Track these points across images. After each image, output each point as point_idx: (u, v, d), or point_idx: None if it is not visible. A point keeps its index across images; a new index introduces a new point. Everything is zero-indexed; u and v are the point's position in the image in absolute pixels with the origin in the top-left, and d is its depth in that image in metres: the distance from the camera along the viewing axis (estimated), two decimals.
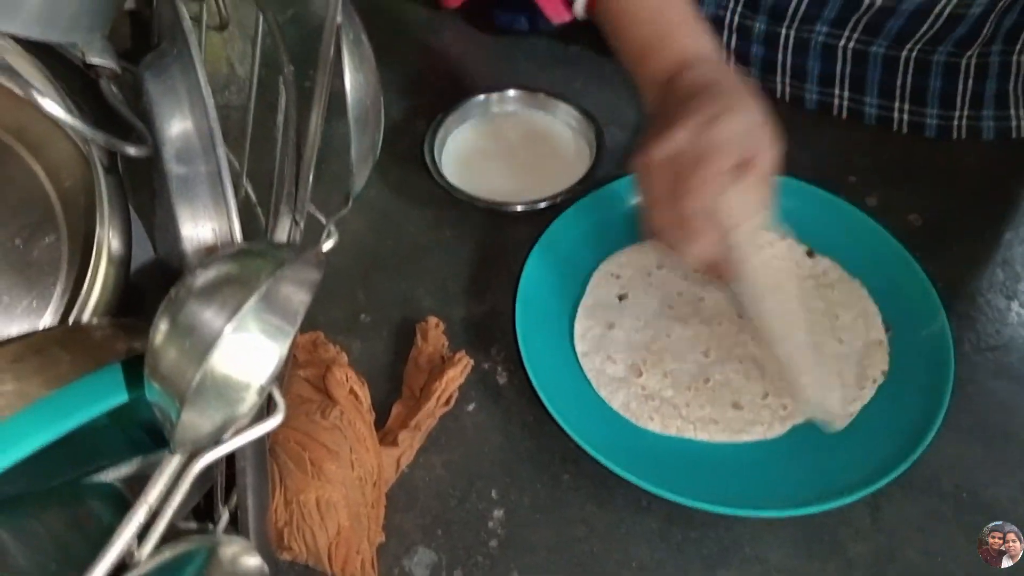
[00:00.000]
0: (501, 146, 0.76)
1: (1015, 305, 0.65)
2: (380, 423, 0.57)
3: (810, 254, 0.65)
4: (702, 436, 0.57)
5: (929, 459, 0.56)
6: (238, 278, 0.26)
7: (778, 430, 0.57)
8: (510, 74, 0.83)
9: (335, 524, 0.49)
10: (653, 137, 0.55)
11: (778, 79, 0.79)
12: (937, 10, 0.70)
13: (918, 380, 0.58)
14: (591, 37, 0.88)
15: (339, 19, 0.29)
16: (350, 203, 0.35)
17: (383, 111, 0.36)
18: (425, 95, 0.81)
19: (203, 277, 0.27)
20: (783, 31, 0.77)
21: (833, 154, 0.76)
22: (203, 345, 0.25)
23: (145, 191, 0.50)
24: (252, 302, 0.25)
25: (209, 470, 0.38)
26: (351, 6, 0.31)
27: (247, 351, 0.28)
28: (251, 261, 0.28)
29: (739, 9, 0.78)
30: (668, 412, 0.58)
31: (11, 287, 0.45)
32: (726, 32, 0.80)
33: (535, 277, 0.64)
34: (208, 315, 0.26)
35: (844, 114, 0.78)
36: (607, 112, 0.79)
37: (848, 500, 0.52)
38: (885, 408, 0.58)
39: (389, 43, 0.85)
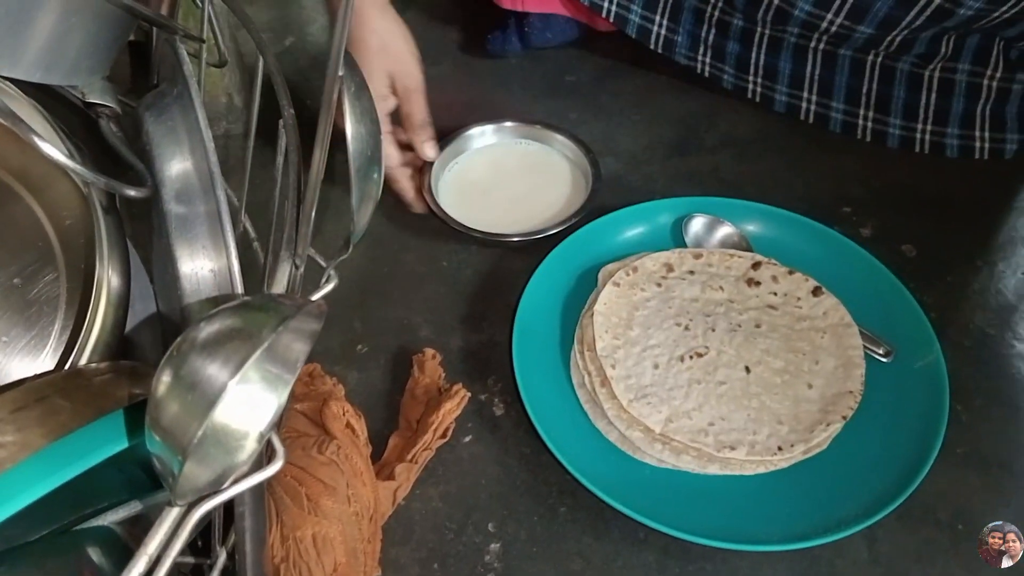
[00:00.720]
0: (498, 177, 0.76)
1: (1008, 335, 0.66)
2: (377, 455, 0.58)
3: (816, 292, 0.64)
4: (698, 470, 0.57)
5: (925, 489, 0.57)
6: (241, 332, 0.27)
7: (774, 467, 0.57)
8: (506, 104, 0.84)
9: (331, 560, 0.49)
10: None
11: (750, 78, 0.81)
12: (908, 18, 0.70)
13: (914, 410, 0.58)
14: (586, 66, 0.89)
15: (341, 71, 0.29)
16: (350, 248, 0.35)
17: (383, 157, 0.36)
18: None
19: (206, 331, 0.27)
20: (758, 28, 0.79)
21: (827, 181, 0.77)
22: (206, 400, 0.26)
23: (143, 224, 0.50)
24: (256, 356, 0.26)
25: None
26: (352, 58, 0.32)
27: (248, 402, 0.28)
28: (254, 315, 0.28)
29: (719, 3, 0.80)
30: (660, 450, 0.57)
31: (11, 325, 0.45)
32: (705, 26, 0.82)
33: (532, 307, 0.64)
34: (212, 370, 0.26)
35: (811, 119, 0.80)
36: (603, 142, 0.80)
37: (845, 533, 0.52)
38: (881, 439, 0.58)
39: None
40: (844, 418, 0.57)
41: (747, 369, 0.60)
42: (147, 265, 0.54)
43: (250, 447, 0.30)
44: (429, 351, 0.63)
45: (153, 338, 0.51)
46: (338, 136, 0.35)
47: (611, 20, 0.82)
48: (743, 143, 0.81)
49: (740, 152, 0.80)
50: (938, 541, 0.55)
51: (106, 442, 0.31)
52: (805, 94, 0.79)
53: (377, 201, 0.35)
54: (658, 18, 0.82)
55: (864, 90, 0.77)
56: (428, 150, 0.72)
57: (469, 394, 0.61)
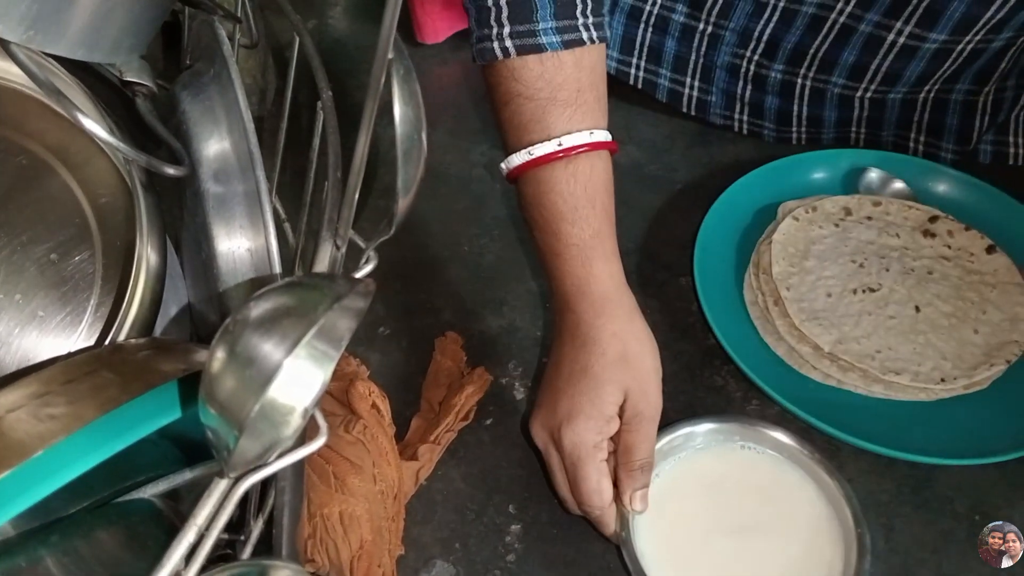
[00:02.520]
0: (716, 508, 0.56)
1: None
2: (399, 436, 0.58)
3: (990, 250, 0.68)
4: (861, 389, 0.61)
5: (942, 480, 0.58)
6: (295, 310, 0.27)
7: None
8: None
9: (358, 538, 0.50)
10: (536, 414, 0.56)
11: (793, 130, 0.79)
12: (958, 49, 0.69)
13: None
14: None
15: (391, 54, 0.30)
16: (392, 230, 0.36)
17: (426, 145, 0.36)
18: (446, 111, 0.82)
19: (259, 308, 0.27)
20: (799, 80, 0.76)
21: None
22: (263, 376, 0.26)
23: (172, 206, 0.51)
24: (311, 335, 0.26)
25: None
26: (401, 42, 0.32)
27: (298, 378, 0.29)
28: (307, 293, 0.28)
29: (755, 58, 0.76)
30: (827, 366, 0.62)
31: (47, 302, 0.46)
32: (740, 82, 0.78)
33: (710, 233, 0.69)
34: (268, 347, 0.26)
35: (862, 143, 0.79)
36: (623, 131, 0.80)
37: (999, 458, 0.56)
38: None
39: None
40: (1008, 361, 0.61)
41: (917, 308, 0.64)
42: (176, 245, 0.54)
43: (296, 422, 0.30)
44: (451, 334, 0.64)
45: (179, 332, 0.51)
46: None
47: (639, 86, 0.80)
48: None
49: (761, 143, 0.80)
50: (955, 532, 0.56)
51: (157, 413, 0.31)
52: (852, 132, 0.78)
53: (420, 184, 0.35)
54: (688, 80, 0.79)
55: (915, 120, 0.77)
56: (637, 502, 0.53)
57: (491, 377, 0.61)
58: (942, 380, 0.60)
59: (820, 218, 0.70)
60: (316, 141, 0.42)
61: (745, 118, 0.80)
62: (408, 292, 0.68)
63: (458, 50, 0.88)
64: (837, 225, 0.70)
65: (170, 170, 0.41)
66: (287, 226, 0.52)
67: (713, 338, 0.63)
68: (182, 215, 0.50)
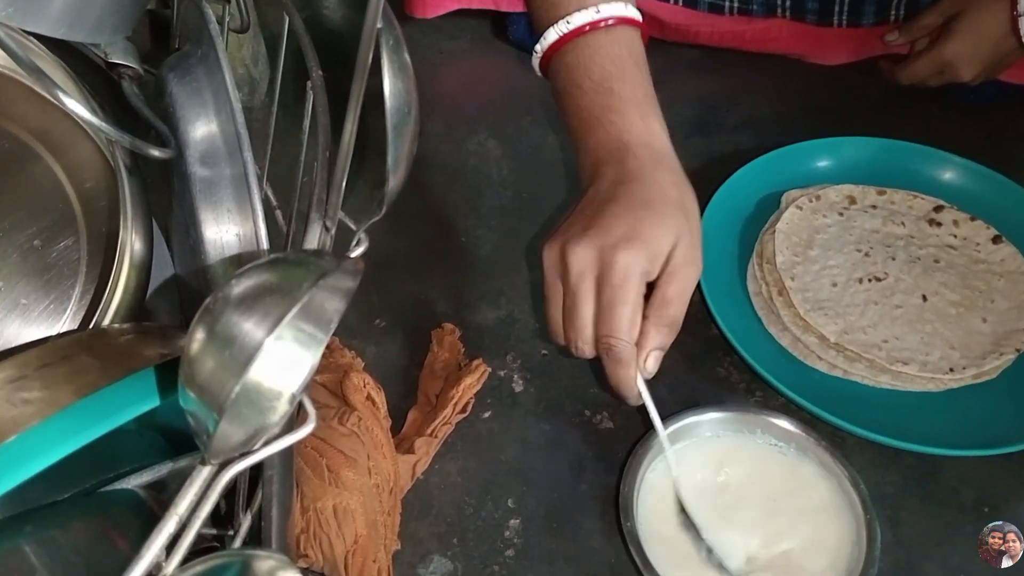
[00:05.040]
0: (724, 497, 0.55)
1: None
2: (395, 429, 0.57)
3: (996, 239, 0.67)
4: (868, 379, 0.60)
5: (949, 472, 0.56)
6: (279, 288, 0.26)
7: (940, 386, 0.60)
8: (526, 88, 0.82)
9: (352, 532, 0.48)
10: (562, 233, 0.54)
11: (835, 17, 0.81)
12: None
13: None
14: None
15: (379, 24, 0.29)
16: (383, 210, 0.35)
17: (419, 120, 0.35)
18: (441, 100, 0.81)
19: (240, 286, 0.26)
20: None
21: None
22: (243, 356, 0.25)
23: (161, 192, 0.50)
24: (294, 312, 0.25)
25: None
26: (391, 11, 0.31)
27: (282, 361, 0.27)
28: (291, 270, 0.27)
29: None
30: (833, 356, 0.61)
31: (30, 289, 0.45)
32: None
33: (712, 223, 0.66)
34: (248, 326, 0.25)
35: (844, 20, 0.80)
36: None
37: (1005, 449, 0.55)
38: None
39: None
40: (1017, 350, 0.60)
41: (923, 297, 0.63)
42: (165, 233, 0.53)
43: (282, 408, 0.29)
44: (448, 326, 0.62)
45: (171, 305, 0.50)
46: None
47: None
48: (764, 123, 0.80)
49: (761, 132, 0.79)
50: (961, 524, 0.54)
51: (137, 399, 0.30)
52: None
53: (411, 162, 0.34)
54: None
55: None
56: (651, 361, 0.52)
57: (489, 369, 0.60)
58: (951, 370, 0.59)
59: (824, 207, 0.69)
60: (306, 123, 0.41)
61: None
62: (404, 284, 0.67)
63: (454, 35, 0.87)
64: (841, 214, 0.69)
65: (155, 152, 0.40)
66: (278, 213, 0.51)
67: (716, 329, 0.62)
68: (171, 202, 0.49)
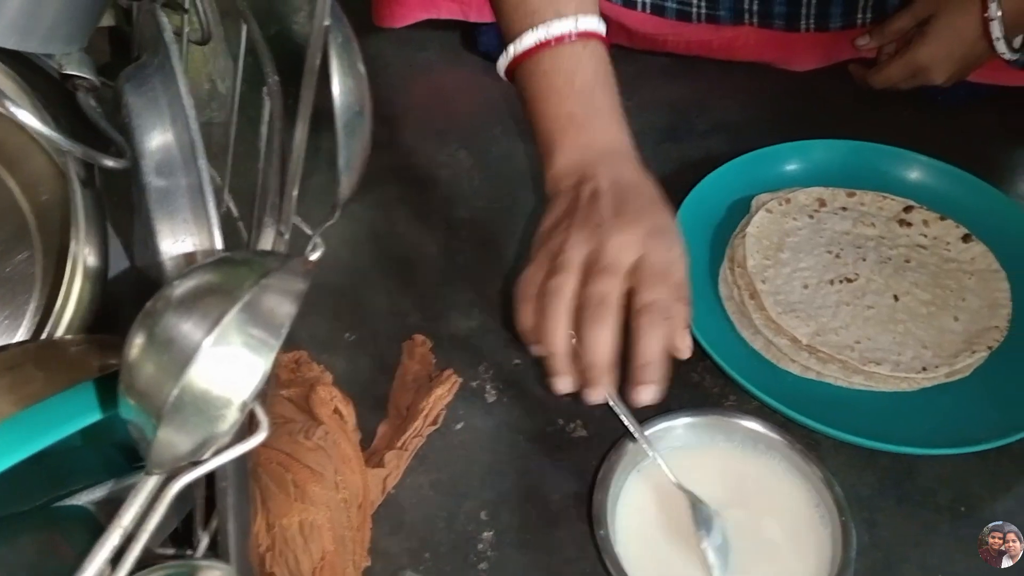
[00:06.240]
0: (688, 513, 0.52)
1: None
2: (366, 443, 0.56)
3: (966, 238, 0.67)
4: (841, 380, 0.60)
5: (924, 473, 0.56)
6: (220, 287, 0.25)
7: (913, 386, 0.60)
8: (494, 95, 0.82)
9: (319, 548, 0.47)
10: (585, 228, 0.53)
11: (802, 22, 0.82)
12: None
13: None
14: None
15: (327, 20, 0.28)
16: (337, 213, 0.34)
17: (371, 120, 0.35)
18: (411, 112, 0.80)
19: (182, 287, 0.25)
20: None
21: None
22: (182, 358, 0.24)
23: (125, 207, 0.49)
24: (234, 312, 0.24)
25: (188, 492, 0.37)
26: (340, 10, 0.30)
27: (229, 365, 0.27)
28: (234, 269, 0.26)
29: None
30: (806, 358, 0.61)
31: None
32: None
33: (683, 229, 0.63)
34: (187, 327, 0.24)
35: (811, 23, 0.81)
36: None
37: (979, 447, 0.55)
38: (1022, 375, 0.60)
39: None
40: (989, 348, 0.60)
41: (895, 297, 0.63)
42: (128, 251, 0.52)
43: (232, 417, 0.28)
44: (419, 337, 0.62)
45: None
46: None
47: (648, 11, 0.82)
48: (735, 128, 0.80)
49: (732, 137, 0.79)
50: (938, 525, 0.54)
51: (78, 413, 0.29)
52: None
53: (365, 162, 0.34)
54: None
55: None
56: (644, 394, 0.50)
57: (460, 379, 0.59)
58: (923, 369, 0.59)
59: (794, 210, 0.69)
60: (264, 129, 0.41)
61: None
62: (375, 296, 0.66)
63: (423, 47, 0.86)
64: (811, 216, 0.68)
65: (108, 162, 0.39)
66: (241, 224, 0.50)
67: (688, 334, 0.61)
68: (132, 216, 0.48)
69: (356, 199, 0.71)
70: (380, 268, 0.68)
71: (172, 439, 0.26)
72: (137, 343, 0.25)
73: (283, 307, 0.28)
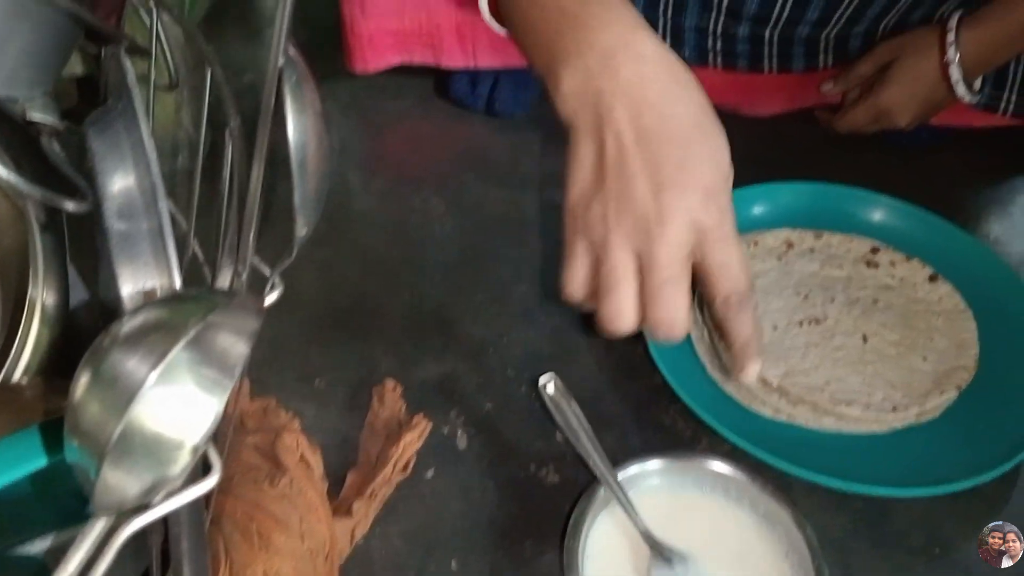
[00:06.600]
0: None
1: None
2: (335, 491, 0.55)
3: (932, 278, 0.68)
4: (812, 422, 0.60)
5: (898, 515, 0.55)
6: (166, 323, 0.25)
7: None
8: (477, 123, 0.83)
9: None
10: (579, 208, 0.50)
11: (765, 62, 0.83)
12: None
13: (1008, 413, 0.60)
14: None
15: (281, 61, 0.28)
16: (294, 252, 0.34)
17: (329, 159, 0.35)
18: (385, 158, 0.81)
19: (129, 324, 0.25)
20: (767, 33, 0.81)
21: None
22: (125, 396, 0.24)
23: (91, 254, 0.48)
24: (179, 348, 0.24)
25: (142, 544, 0.36)
26: (296, 50, 0.30)
27: (177, 404, 0.26)
28: (182, 306, 0.26)
29: (721, 19, 0.80)
30: (776, 400, 0.60)
31: None
32: (711, 39, 0.81)
33: None
34: (132, 364, 0.24)
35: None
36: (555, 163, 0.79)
37: (953, 488, 0.54)
38: (992, 415, 0.60)
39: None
40: (958, 388, 0.60)
41: (864, 338, 0.63)
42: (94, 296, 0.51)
43: (183, 459, 0.28)
44: (390, 383, 0.61)
45: None
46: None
47: None
48: None
49: None
50: (913, 567, 0.53)
51: (21, 459, 0.28)
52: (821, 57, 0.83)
53: (322, 200, 0.34)
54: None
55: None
56: (751, 369, 0.53)
57: (431, 424, 0.58)
58: (894, 409, 0.59)
59: (762, 252, 0.69)
60: (226, 172, 0.41)
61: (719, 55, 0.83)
62: (345, 341, 0.66)
63: (397, 94, 0.87)
64: (779, 258, 0.69)
65: (68, 205, 0.39)
66: (205, 269, 0.50)
67: (660, 377, 0.61)
68: (97, 262, 0.48)
69: (327, 244, 0.72)
70: (350, 313, 0.68)
71: (118, 480, 0.25)
72: (82, 382, 0.25)
73: (236, 347, 0.28)
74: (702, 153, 0.49)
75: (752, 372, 0.53)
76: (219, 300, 0.25)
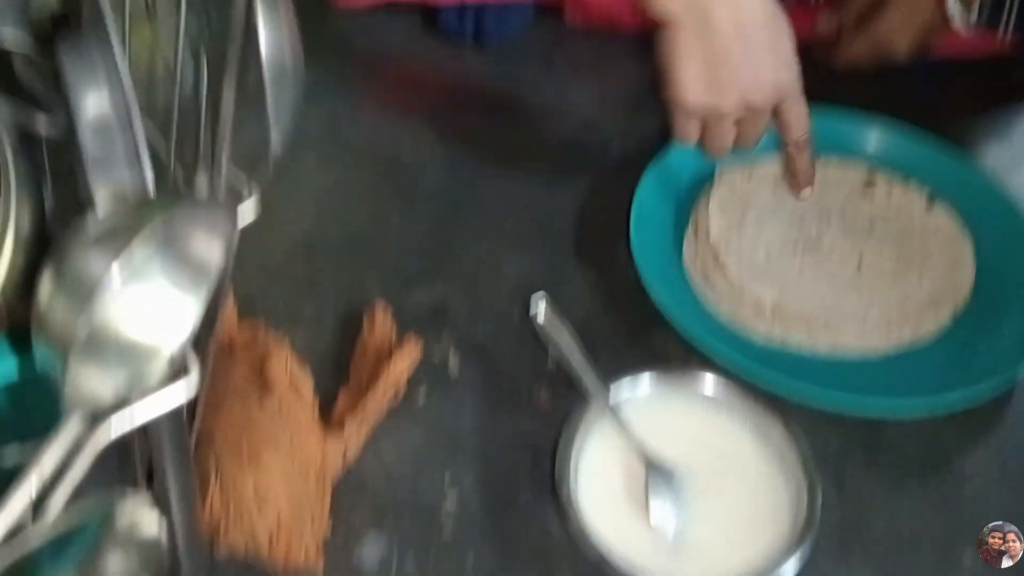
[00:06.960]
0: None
1: None
2: (326, 411, 0.55)
3: (930, 203, 0.67)
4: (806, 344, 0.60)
5: (893, 433, 0.56)
6: (131, 220, 0.24)
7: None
8: (458, 70, 0.82)
9: (275, 512, 0.47)
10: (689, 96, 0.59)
11: None
12: None
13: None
14: (541, 31, 0.87)
15: None
16: (270, 167, 0.33)
17: (302, 74, 0.34)
18: (373, 92, 0.80)
19: (94, 223, 0.25)
20: None
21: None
22: (88, 288, 0.23)
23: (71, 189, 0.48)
24: (140, 239, 0.24)
25: (128, 460, 0.36)
26: None
27: (150, 304, 0.26)
28: (148, 206, 0.26)
29: None
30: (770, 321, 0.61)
31: None
32: None
33: (649, 194, 0.67)
34: (94, 257, 0.24)
35: None
36: (556, 105, 0.78)
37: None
38: (986, 339, 0.60)
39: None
40: (954, 308, 0.61)
41: (859, 262, 0.63)
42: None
43: (159, 360, 0.28)
44: (380, 303, 0.61)
45: None
46: None
47: None
48: None
49: None
50: (906, 483, 0.54)
51: None
52: None
53: (296, 116, 0.33)
54: None
55: None
56: (808, 190, 0.66)
57: (422, 347, 0.58)
58: (889, 331, 0.58)
59: (758, 179, 0.68)
60: (204, 86, 0.40)
61: None
62: (334, 266, 0.66)
63: (386, 29, 0.85)
64: (775, 185, 0.68)
65: (41, 123, 0.38)
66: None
67: (651, 303, 0.61)
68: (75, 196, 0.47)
69: (316, 175, 0.72)
70: (341, 240, 0.68)
71: (88, 377, 0.25)
72: (46, 279, 0.25)
73: (211, 247, 0.28)
74: (781, 38, 0.59)
75: (808, 193, 0.65)
76: (185, 198, 0.25)
